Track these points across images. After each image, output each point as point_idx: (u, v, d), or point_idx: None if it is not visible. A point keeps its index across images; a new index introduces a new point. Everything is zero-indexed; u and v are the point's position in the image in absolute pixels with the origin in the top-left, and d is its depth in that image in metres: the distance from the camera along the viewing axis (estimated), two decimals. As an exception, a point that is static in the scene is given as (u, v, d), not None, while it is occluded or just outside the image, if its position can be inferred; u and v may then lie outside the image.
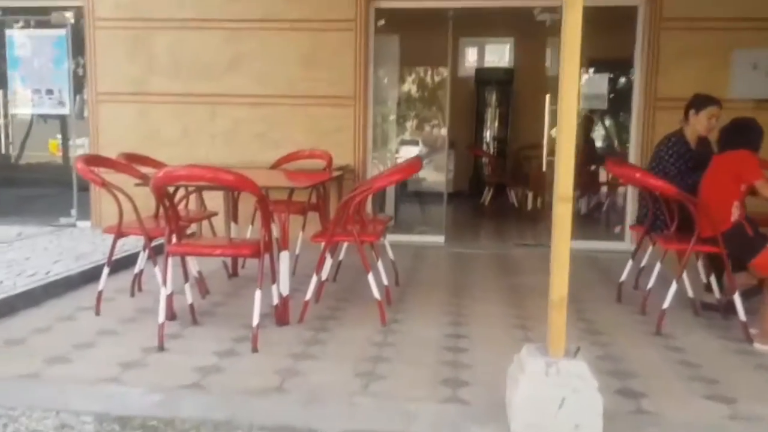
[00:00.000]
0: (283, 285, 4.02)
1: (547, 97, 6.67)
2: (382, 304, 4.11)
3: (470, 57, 13.07)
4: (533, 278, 5.57)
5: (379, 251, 4.65)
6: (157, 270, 4.14)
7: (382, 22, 7.00)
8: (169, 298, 4.02)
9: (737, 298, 3.97)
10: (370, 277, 4.07)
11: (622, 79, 9.66)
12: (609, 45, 10.01)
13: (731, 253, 4.01)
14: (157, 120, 7.13)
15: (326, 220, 5.24)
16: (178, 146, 7.06)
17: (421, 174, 8.86)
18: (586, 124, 9.15)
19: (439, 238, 7.06)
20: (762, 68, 6.49)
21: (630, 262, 4.87)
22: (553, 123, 6.68)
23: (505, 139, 11.98)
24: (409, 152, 12.57)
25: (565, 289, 2.68)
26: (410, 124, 12.88)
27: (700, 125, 4.68)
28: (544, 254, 6.60)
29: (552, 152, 6.66)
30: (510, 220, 9.02)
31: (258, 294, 3.61)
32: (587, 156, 8.84)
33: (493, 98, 12.12)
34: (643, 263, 5.02)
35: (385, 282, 4.58)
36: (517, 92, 11.74)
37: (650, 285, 4.50)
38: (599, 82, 7.20)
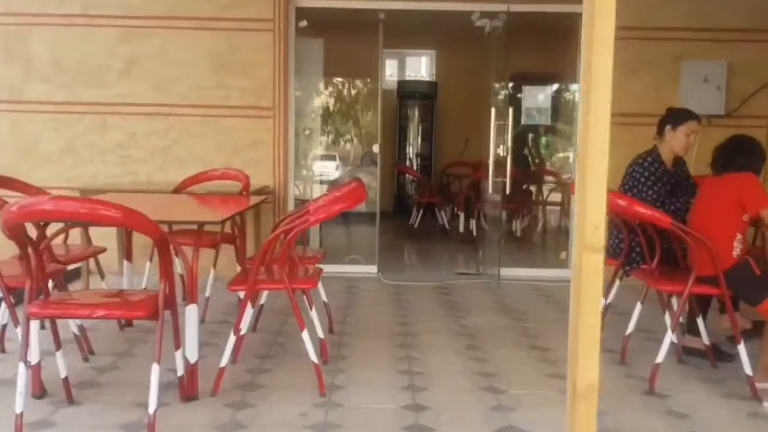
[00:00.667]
0: (191, 349, 3.09)
1: (492, 110, 5.98)
2: (319, 369, 3.25)
3: (389, 69, 12.43)
4: (484, 318, 4.84)
5: (311, 295, 3.79)
6: (20, 331, 3.12)
7: (304, 23, 6.15)
8: (36, 369, 3.03)
9: (742, 349, 3.36)
10: (305, 336, 3.21)
11: (565, 93, 9.27)
12: (551, 56, 9.65)
13: (734, 295, 3.41)
14: (35, 133, 5.98)
15: (243, 255, 4.34)
16: (61, 164, 5.94)
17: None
18: (520, 140, 8.64)
19: (372, 268, 6.25)
20: (713, 82, 6.07)
21: (601, 301, 4.19)
22: (499, 140, 6.03)
23: (429, 156, 11.36)
24: (327, 168, 11.75)
25: (595, 374, 1.93)
26: (333, 139, 12.09)
27: (678, 143, 4.10)
28: (487, 286, 6.02)
29: (500, 173, 6.01)
30: (443, 245, 8.33)
31: (155, 370, 2.68)
32: (521, 174, 8.32)
33: (416, 113, 11.49)
34: (609, 299, 4.39)
35: (320, 334, 3.72)
36: (441, 107, 11.16)
37: (630, 330, 3.85)
38: (541, 96, 6.67)
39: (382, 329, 4.47)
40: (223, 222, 3.20)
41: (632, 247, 4.05)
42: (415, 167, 11.24)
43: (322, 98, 9.93)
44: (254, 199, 4.40)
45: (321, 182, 9.34)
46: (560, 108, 10.09)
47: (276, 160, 6.00)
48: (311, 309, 3.65)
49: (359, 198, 3.23)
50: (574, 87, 9.00)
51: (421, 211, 9.06)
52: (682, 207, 3.91)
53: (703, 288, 3.44)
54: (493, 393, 3.35)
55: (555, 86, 10.05)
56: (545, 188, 9.27)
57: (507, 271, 6.04)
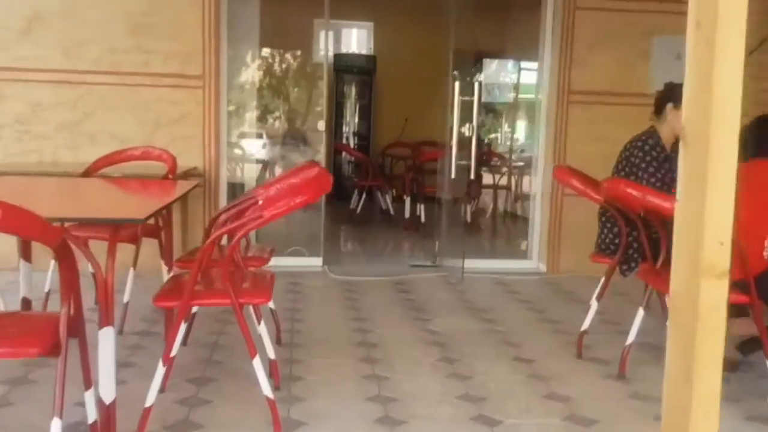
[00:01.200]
0: (106, 387, 2.34)
1: (457, 85, 5.37)
2: (274, 405, 2.56)
3: (323, 41, 11.65)
4: (452, 320, 4.25)
5: (260, 307, 3.08)
6: None
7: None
8: None
9: (773, 365, 2.89)
10: (257, 364, 2.51)
11: (525, 70, 8.75)
12: (511, 30, 9.09)
13: (764, 302, 2.93)
14: None
15: (170, 252, 3.59)
16: (-56, 140, 4.97)
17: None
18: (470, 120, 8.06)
19: (316, 260, 5.56)
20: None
21: (594, 305, 3.67)
22: (465, 117, 5.42)
23: (366, 135, 10.69)
24: (254, 146, 10.87)
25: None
26: (260, 115, 11.18)
27: (680, 123, 3.59)
28: (447, 280, 5.40)
29: (465, 155, 5.42)
30: (390, 232, 7.72)
31: (56, 426, 1.94)
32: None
33: (353, 89, 10.77)
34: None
35: (271, 354, 3.03)
36: (380, 83, 10.48)
37: (630, 340, 3.33)
38: (500, 74, 6.09)
39: (338, 339, 3.80)
40: (146, 219, 2.46)
41: (631, 244, 3.54)
42: (352, 147, 10.56)
43: (256, 69, 9.05)
44: (182, 186, 3.62)
45: (257, 161, 8.52)
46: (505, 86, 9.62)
47: (206, 137, 5.20)
48: (259, 324, 2.95)
49: (324, 188, 2.56)
50: (525, 65, 8.51)
51: (363, 195, 8.40)
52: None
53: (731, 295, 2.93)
54: (488, 425, 2.75)
55: (497, 63, 9.56)
56: (494, 171, 8.77)
57: (465, 263, 5.47)
